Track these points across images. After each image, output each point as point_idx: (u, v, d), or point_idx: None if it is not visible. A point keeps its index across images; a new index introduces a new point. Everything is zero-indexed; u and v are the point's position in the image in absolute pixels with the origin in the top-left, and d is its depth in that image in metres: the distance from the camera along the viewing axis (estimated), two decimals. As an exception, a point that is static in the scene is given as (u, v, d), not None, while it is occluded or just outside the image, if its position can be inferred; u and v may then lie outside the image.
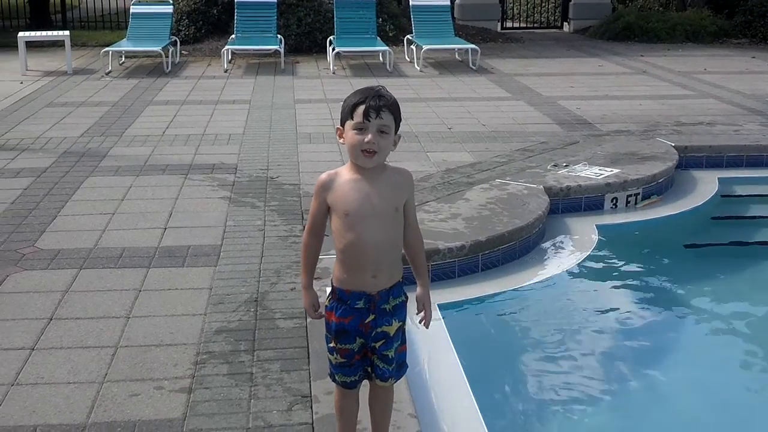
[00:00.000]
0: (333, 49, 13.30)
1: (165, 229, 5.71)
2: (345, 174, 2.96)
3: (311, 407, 3.49)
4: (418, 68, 13.31)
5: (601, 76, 12.74)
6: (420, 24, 14.40)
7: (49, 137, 8.39)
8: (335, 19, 14.25)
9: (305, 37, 15.16)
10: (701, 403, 4.23)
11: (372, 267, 2.92)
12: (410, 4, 14.77)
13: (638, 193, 6.70)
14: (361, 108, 2.84)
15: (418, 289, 3.12)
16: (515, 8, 21.99)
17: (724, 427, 4.05)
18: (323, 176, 2.99)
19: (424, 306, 3.12)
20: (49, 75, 12.56)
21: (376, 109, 2.83)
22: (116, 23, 17.84)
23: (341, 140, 2.95)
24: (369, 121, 2.83)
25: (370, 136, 2.83)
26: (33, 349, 4.02)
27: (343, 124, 2.93)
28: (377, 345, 2.99)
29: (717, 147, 7.83)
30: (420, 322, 3.14)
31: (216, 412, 3.48)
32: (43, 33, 14.16)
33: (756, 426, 4.06)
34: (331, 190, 2.94)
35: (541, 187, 6.37)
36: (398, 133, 2.96)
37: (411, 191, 3.04)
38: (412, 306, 3.11)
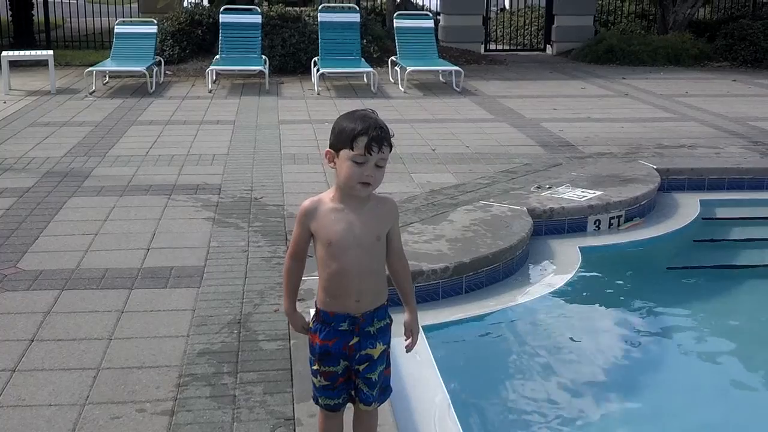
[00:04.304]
0: (317, 70, 13.34)
1: (148, 250, 5.69)
2: (328, 202, 2.90)
3: (294, 430, 3.47)
4: (402, 89, 13.36)
5: (584, 99, 12.84)
6: (404, 45, 14.49)
7: (32, 157, 8.36)
8: (320, 40, 14.31)
9: (290, 57, 15.20)
10: (685, 426, 4.23)
11: (355, 293, 2.90)
12: (394, 25, 14.86)
13: (621, 216, 6.74)
14: (363, 140, 2.73)
15: (406, 315, 3.08)
16: (498, 31, 22.20)
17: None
18: (306, 203, 2.93)
19: (411, 332, 3.08)
20: (33, 95, 12.52)
21: (379, 142, 2.75)
22: (100, 43, 17.83)
23: (331, 164, 2.85)
24: (371, 155, 2.75)
25: (369, 171, 2.76)
26: (14, 371, 3.98)
27: (335, 148, 2.82)
28: (361, 368, 2.97)
29: (698, 170, 7.89)
30: (405, 348, 3.12)
31: (198, 435, 3.46)
32: (27, 52, 14.11)
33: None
34: (315, 219, 2.90)
35: (525, 208, 6.40)
36: None
37: (395, 220, 3.00)
38: (398, 329, 3.09)
